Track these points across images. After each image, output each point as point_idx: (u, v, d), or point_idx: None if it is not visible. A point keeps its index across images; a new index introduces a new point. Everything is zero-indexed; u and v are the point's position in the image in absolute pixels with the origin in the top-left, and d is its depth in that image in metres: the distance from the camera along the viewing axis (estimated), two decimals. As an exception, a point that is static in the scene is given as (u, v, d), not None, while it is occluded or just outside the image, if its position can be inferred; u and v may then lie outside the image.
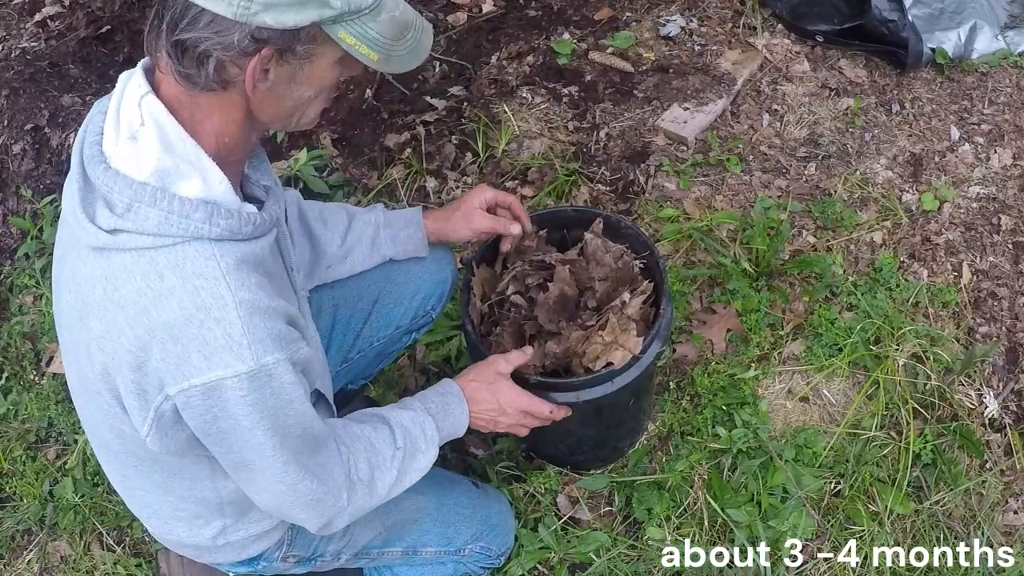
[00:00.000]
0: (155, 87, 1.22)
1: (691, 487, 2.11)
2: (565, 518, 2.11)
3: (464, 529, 1.84)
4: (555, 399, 1.71)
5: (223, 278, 1.19)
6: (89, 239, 1.19)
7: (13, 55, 3.27)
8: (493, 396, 1.65)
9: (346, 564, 1.77)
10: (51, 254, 2.86)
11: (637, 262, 1.91)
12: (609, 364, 1.75)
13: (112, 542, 2.28)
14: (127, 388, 1.23)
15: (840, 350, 2.26)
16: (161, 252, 1.18)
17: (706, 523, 2.07)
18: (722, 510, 2.06)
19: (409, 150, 2.78)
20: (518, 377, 1.69)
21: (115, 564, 2.23)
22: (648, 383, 2.04)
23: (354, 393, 2.09)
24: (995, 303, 2.37)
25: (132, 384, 1.22)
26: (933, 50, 2.81)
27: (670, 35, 3.00)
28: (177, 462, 1.40)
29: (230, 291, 1.18)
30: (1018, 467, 2.15)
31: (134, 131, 1.19)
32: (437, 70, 3.01)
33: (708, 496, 2.09)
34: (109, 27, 3.24)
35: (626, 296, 1.82)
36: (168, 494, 1.48)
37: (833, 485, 2.12)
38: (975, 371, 2.25)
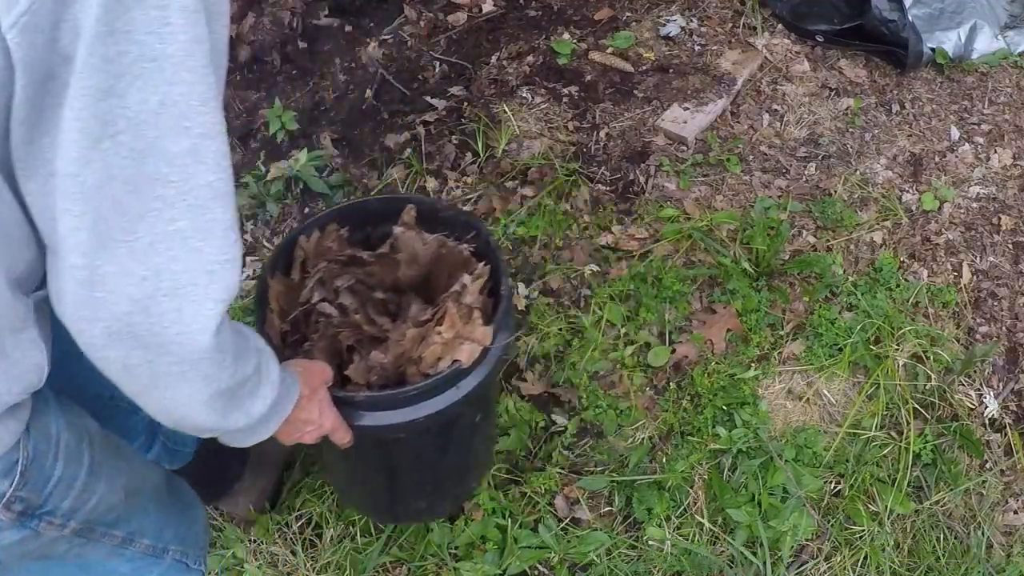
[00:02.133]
0: None
1: (691, 487, 2.11)
2: (566, 521, 2.11)
3: (176, 522, 1.57)
4: (387, 421, 1.42)
5: None
6: None
7: (13, 55, 3.27)
8: (314, 406, 1.39)
9: (70, 537, 1.36)
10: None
11: (465, 246, 1.62)
12: (456, 363, 1.46)
13: (112, 542, 2.28)
14: None
15: (840, 350, 2.26)
16: None
17: (706, 523, 2.07)
18: (722, 510, 2.06)
19: (409, 150, 2.78)
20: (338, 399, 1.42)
21: (115, 564, 2.23)
22: (494, 392, 1.75)
23: None
24: (995, 303, 2.38)
25: None
26: (933, 50, 2.81)
27: (670, 35, 3.00)
28: None
29: None
30: (1018, 467, 2.15)
31: None
32: (437, 70, 3.01)
33: (708, 496, 2.09)
34: (109, 27, 3.24)
35: (466, 280, 1.54)
36: None
37: (833, 485, 2.12)
38: (975, 371, 2.25)
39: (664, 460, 2.16)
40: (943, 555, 2.04)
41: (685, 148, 2.71)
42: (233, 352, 1.06)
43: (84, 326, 0.97)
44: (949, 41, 2.82)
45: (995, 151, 2.67)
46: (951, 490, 2.09)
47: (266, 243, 2.74)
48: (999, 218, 2.51)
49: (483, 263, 1.59)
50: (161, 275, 0.95)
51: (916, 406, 2.17)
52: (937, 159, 2.66)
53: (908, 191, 2.58)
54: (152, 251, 0.94)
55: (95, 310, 0.95)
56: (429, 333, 1.48)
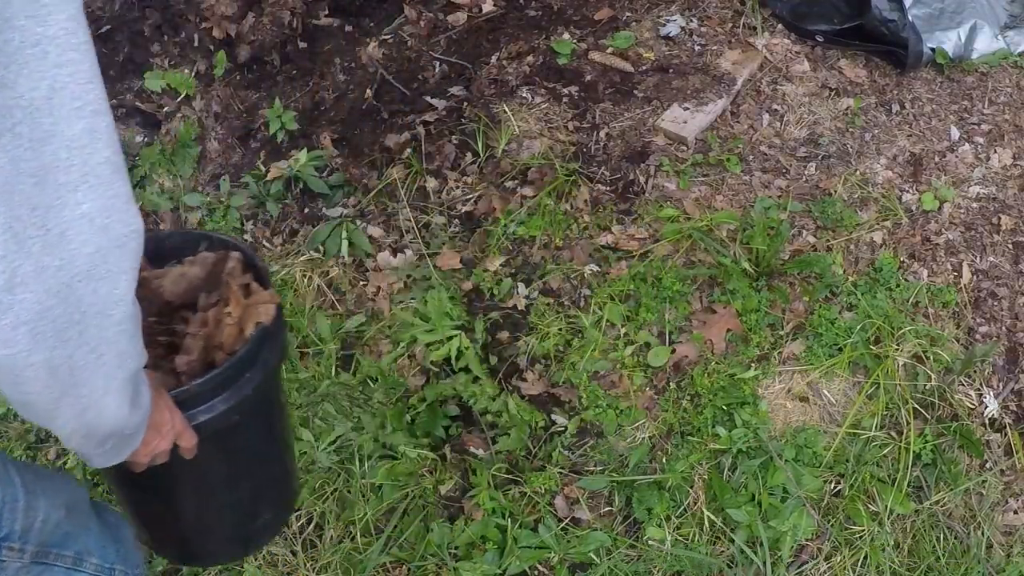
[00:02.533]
0: None
1: (691, 487, 2.11)
2: (566, 521, 2.11)
3: (114, 540, 1.55)
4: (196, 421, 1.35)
5: None
6: None
7: (13, 55, 3.27)
8: (163, 403, 1.31)
9: (29, 565, 1.39)
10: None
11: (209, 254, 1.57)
12: (260, 324, 1.45)
13: (112, 542, 2.28)
14: None
15: (840, 350, 2.26)
16: None
17: (706, 523, 2.07)
18: (722, 510, 2.06)
19: (409, 150, 2.78)
20: None
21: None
22: (276, 395, 1.66)
23: None
24: (995, 303, 2.38)
25: None
26: (933, 50, 2.81)
27: (670, 35, 3.00)
28: None
29: None
30: (1018, 467, 2.15)
31: None
32: (437, 70, 3.01)
33: (708, 496, 2.09)
34: (109, 27, 3.23)
35: (234, 255, 1.53)
36: None
37: (833, 485, 2.12)
38: (975, 371, 2.25)
39: (664, 460, 2.16)
40: (943, 555, 2.04)
41: (685, 148, 2.71)
42: (136, 324, 1.07)
43: (8, 334, 0.94)
44: (949, 41, 2.82)
45: (995, 151, 2.67)
46: (951, 490, 2.09)
47: (266, 243, 2.74)
48: (999, 218, 2.51)
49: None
50: (75, 261, 0.95)
51: (916, 406, 2.17)
52: (937, 159, 2.66)
53: (908, 191, 2.58)
54: (64, 240, 0.94)
55: (18, 314, 0.93)
56: (221, 316, 1.47)
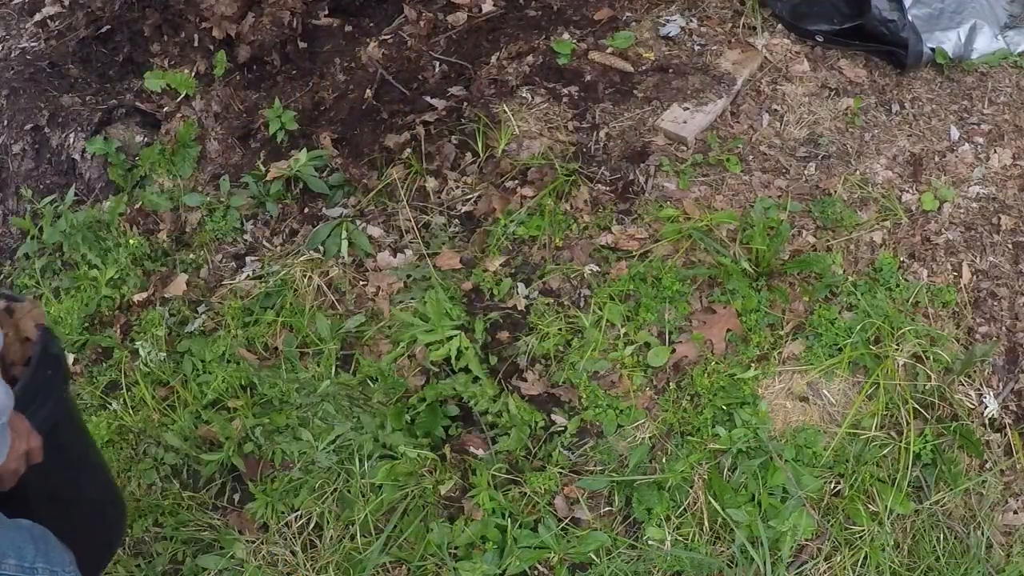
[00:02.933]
0: None
1: (691, 487, 2.11)
2: (566, 521, 2.11)
3: (28, 539, 1.55)
4: None
5: None
6: None
7: (13, 55, 3.27)
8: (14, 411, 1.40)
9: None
10: (51, 254, 2.86)
11: None
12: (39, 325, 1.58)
13: (112, 542, 2.28)
14: None
15: (840, 350, 2.26)
16: None
17: (706, 523, 2.07)
18: (722, 510, 2.06)
19: (409, 150, 2.78)
20: None
21: (115, 564, 2.23)
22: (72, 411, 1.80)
23: None
24: (995, 303, 2.38)
25: None
26: (933, 50, 2.81)
27: (670, 35, 3.00)
28: None
29: None
30: (1018, 467, 2.15)
31: None
32: (437, 70, 3.01)
33: (708, 496, 2.09)
34: (109, 27, 3.24)
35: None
36: None
37: (833, 485, 2.12)
38: (975, 371, 2.25)
39: (664, 460, 2.16)
40: (943, 555, 2.04)
41: (685, 148, 2.71)
42: None
43: None
44: (949, 41, 2.82)
45: (995, 151, 2.67)
46: (951, 490, 2.09)
47: (266, 243, 2.74)
48: (999, 218, 2.51)
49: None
50: None
51: (916, 406, 2.17)
52: (937, 159, 2.66)
53: (908, 191, 2.58)
54: None
55: None
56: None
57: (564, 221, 2.55)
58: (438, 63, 3.03)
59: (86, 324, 2.66)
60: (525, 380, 2.31)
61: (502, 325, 2.41)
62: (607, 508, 2.14)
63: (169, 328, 2.58)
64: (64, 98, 3.07)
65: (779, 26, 3.01)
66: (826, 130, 2.74)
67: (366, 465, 2.22)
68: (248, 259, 2.72)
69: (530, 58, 2.98)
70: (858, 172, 2.62)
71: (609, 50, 2.98)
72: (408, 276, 2.54)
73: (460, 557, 2.08)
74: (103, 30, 3.25)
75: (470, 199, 2.66)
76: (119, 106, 3.07)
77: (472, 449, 2.24)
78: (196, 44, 3.06)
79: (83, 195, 2.98)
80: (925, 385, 2.21)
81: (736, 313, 2.32)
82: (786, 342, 2.30)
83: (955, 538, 2.05)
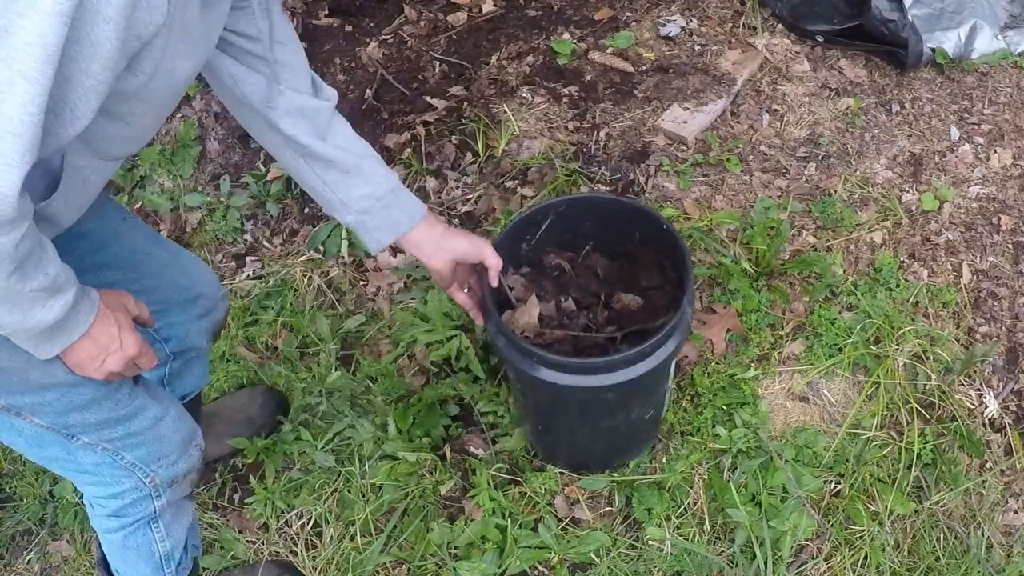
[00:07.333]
0: None
1: (691, 487, 2.11)
2: (566, 521, 2.11)
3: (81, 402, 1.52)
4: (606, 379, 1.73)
5: None
6: None
7: (13, 55, 3.27)
8: (112, 323, 1.40)
9: (44, 428, 1.49)
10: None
11: None
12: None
13: (112, 542, 2.28)
14: None
15: (840, 350, 2.26)
16: None
17: (706, 523, 2.07)
18: (722, 510, 2.06)
19: (409, 150, 2.78)
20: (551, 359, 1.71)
21: (115, 564, 2.23)
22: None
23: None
24: (995, 303, 2.38)
25: None
26: (933, 50, 2.81)
27: (670, 35, 3.00)
28: None
29: None
30: (1018, 467, 2.15)
31: None
32: (437, 70, 3.01)
33: (708, 496, 2.09)
34: (109, 27, 3.23)
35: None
36: None
37: (833, 485, 2.12)
38: (975, 371, 2.25)
39: (664, 460, 2.16)
40: (943, 555, 2.04)
41: (685, 148, 2.71)
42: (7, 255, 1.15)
43: None
44: (949, 41, 2.82)
45: (995, 151, 2.66)
46: (951, 490, 2.09)
47: (266, 243, 2.74)
48: (999, 218, 2.51)
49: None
50: None
51: (916, 406, 2.17)
52: (937, 159, 2.66)
53: (908, 191, 2.58)
54: None
55: None
56: None
57: (564, 221, 2.55)
58: (438, 63, 3.03)
59: (86, 324, 2.66)
60: (525, 380, 2.31)
61: (502, 325, 2.41)
62: (607, 508, 2.14)
63: (169, 328, 2.58)
64: (64, 98, 3.07)
65: (779, 26, 3.01)
66: (826, 130, 2.74)
67: (366, 465, 2.22)
68: (248, 259, 2.72)
69: (530, 58, 2.98)
70: (858, 172, 2.62)
71: (609, 50, 2.98)
72: (408, 276, 2.54)
73: (460, 557, 2.08)
74: (103, 30, 3.25)
75: (470, 199, 2.66)
76: (119, 106, 3.07)
77: (472, 449, 2.24)
78: (196, 44, 3.06)
79: (83, 195, 2.97)
80: (925, 385, 2.21)
81: (736, 313, 2.32)
82: (786, 342, 2.30)
83: (955, 538, 2.05)
